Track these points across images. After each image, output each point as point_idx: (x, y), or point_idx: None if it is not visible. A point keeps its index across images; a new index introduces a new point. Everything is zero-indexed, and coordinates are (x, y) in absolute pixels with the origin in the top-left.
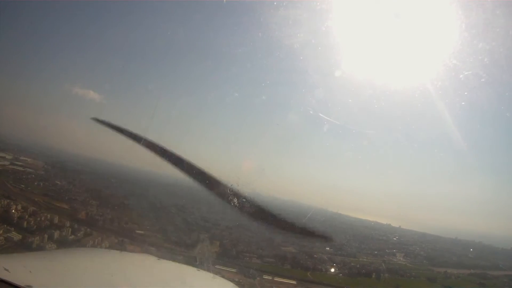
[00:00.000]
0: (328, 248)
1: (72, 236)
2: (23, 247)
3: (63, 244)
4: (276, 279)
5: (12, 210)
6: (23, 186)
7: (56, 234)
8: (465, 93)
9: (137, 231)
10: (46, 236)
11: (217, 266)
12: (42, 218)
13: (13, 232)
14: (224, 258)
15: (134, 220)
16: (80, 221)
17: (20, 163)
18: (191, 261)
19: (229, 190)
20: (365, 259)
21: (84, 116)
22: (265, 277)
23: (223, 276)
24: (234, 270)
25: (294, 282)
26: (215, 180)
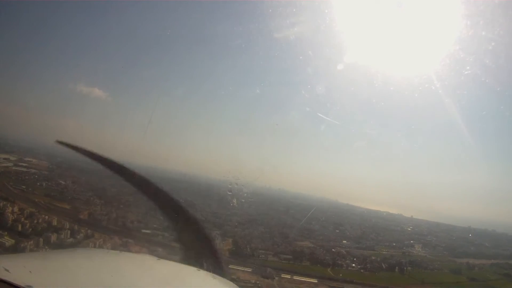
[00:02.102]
0: (345, 241)
1: (71, 239)
2: (14, 253)
3: (60, 248)
4: (296, 277)
5: (8, 212)
6: (24, 187)
7: (53, 237)
8: (471, 82)
9: (143, 231)
10: (41, 240)
11: (231, 266)
12: (40, 220)
13: (5, 237)
14: (238, 256)
15: (140, 218)
16: (81, 221)
17: (24, 164)
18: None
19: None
20: (384, 252)
21: (91, 114)
22: (284, 276)
23: (238, 277)
24: (249, 270)
25: (315, 280)
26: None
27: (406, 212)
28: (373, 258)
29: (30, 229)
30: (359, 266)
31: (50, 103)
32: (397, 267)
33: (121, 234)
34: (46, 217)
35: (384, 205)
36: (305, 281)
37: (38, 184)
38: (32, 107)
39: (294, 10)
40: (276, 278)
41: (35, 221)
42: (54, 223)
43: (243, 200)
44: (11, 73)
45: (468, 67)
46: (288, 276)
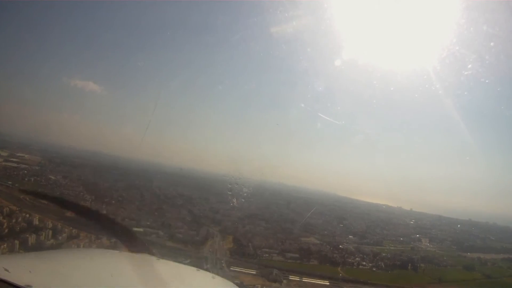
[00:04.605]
0: (351, 237)
1: (52, 240)
2: None
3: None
4: (305, 279)
5: None
6: (10, 183)
7: (32, 238)
8: (466, 76)
9: (135, 229)
10: (17, 242)
11: (233, 268)
12: (19, 219)
13: None
14: (240, 256)
15: (132, 215)
16: (67, 219)
17: (15, 160)
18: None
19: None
20: (393, 247)
21: (87, 108)
22: (292, 277)
23: (242, 282)
24: (254, 272)
25: (327, 282)
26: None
27: (405, 205)
28: (383, 254)
29: (7, 229)
30: (370, 264)
31: (44, 97)
32: (410, 264)
33: (109, 233)
34: (27, 215)
35: (382, 198)
36: (316, 283)
37: (26, 179)
38: (26, 103)
39: (292, 7)
40: (284, 281)
41: (14, 220)
42: (36, 222)
43: (243, 200)
44: (4, 68)
45: (469, 66)
46: (297, 278)
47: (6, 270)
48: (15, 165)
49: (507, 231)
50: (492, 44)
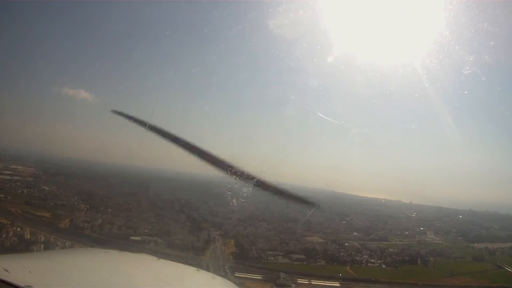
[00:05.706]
0: (355, 233)
1: None
2: None
3: None
4: (314, 282)
5: None
6: (2, 195)
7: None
8: (460, 72)
9: (132, 238)
10: None
11: (238, 274)
12: (10, 234)
13: None
14: (243, 261)
15: (129, 223)
16: (60, 231)
17: (8, 172)
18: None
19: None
20: (399, 242)
21: (79, 117)
22: (300, 281)
23: None
24: (260, 277)
25: (337, 283)
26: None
27: (404, 198)
28: (391, 250)
29: None
30: (379, 261)
31: (36, 108)
32: (419, 259)
33: (105, 243)
34: (19, 229)
35: (381, 192)
36: (326, 285)
37: (19, 191)
38: (18, 114)
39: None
40: (293, 284)
41: (4, 235)
42: (27, 235)
43: (243, 200)
44: None
45: (467, 66)
46: (306, 281)
47: (6, 270)
48: (8, 177)
49: (509, 219)
50: (492, 43)
